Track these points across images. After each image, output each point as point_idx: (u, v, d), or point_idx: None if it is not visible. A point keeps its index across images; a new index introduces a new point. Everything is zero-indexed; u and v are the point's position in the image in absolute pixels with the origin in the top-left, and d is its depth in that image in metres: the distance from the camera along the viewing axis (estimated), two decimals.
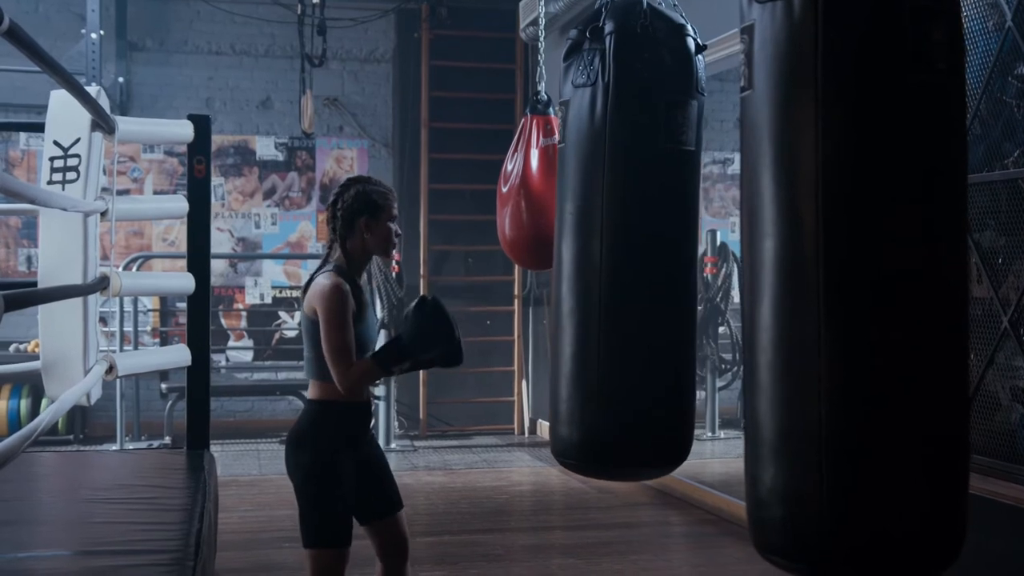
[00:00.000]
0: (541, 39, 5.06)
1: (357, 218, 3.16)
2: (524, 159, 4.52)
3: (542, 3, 5.27)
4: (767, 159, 2.40)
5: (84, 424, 8.13)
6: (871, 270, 2.31)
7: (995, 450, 3.57)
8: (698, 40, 3.38)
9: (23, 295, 1.98)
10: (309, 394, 3.19)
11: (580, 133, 3.31)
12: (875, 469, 2.31)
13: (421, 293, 3.28)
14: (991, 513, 3.46)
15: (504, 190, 4.74)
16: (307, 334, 3.13)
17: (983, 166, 3.65)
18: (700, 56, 3.38)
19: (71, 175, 3.13)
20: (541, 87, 4.74)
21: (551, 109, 4.60)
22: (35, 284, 3.19)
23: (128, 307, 7.91)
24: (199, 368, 3.82)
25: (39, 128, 3.21)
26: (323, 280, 3.08)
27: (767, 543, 2.45)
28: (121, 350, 7.45)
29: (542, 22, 5.16)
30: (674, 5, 3.44)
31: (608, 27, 3.27)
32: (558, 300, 3.40)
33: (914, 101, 2.33)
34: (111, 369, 3.11)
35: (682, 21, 3.37)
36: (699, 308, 7.66)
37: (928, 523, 2.36)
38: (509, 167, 4.61)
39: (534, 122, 4.56)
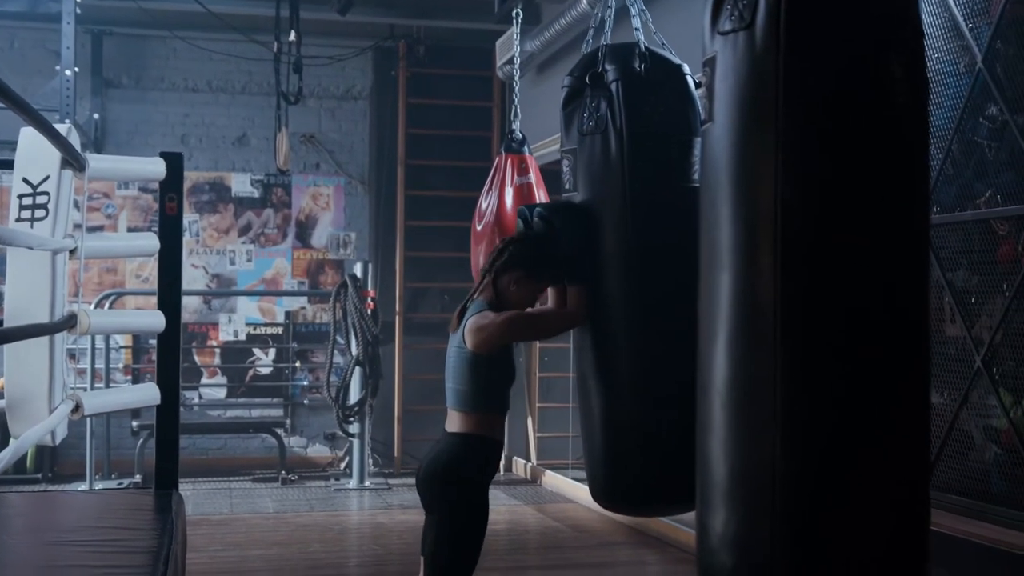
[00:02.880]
0: (516, 77, 5.08)
1: (515, 268, 3.29)
2: (499, 197, 4.51)
3: (518, 41, 5.28)
4: (725, 191, 2.38)
5: (53, 462, 8.02)
6: (829, 305, 2.28)
7: (969, 489, 3.55)
8: (695, 79, 3.39)
9: None
10: (450, 427, 3.29)
11: (594, 180, 3.28)
12: (829, 514, 2.25)
13: (525, 222, 3.43)
14: (965, 554, 3.44)
15: (479, 228, 4.73)
16: (461, 366, 3.25)
17: (955, 206, 3.66)
18: (698, 93, 3.39)
19: (40, 212, 3.09)
20: (516, 125, 4.74)
21: (525, 147, 4.60)
22: (2, 322, 3.14)
23: (100, 344, 7.84)
24: (168, 407, 3.77)
25: (8, 165, 3.18)
26: (484, 318, 3.23)
27: None
28: (92, 387, 7.37)
29: (517, 60, 5.17)
30: (662, 44, 3.45)
31: (611, 73, 3.27)
32: (582, 345, 3.36)
33: (874, 135, 2.31)
34: (77, 408, 3.04)
35: (678, 61, 3.38)
36: None
37: (886, 573, 2.30)
38: (484, 205, 4.61)
39: (508, 160, 4.56)
